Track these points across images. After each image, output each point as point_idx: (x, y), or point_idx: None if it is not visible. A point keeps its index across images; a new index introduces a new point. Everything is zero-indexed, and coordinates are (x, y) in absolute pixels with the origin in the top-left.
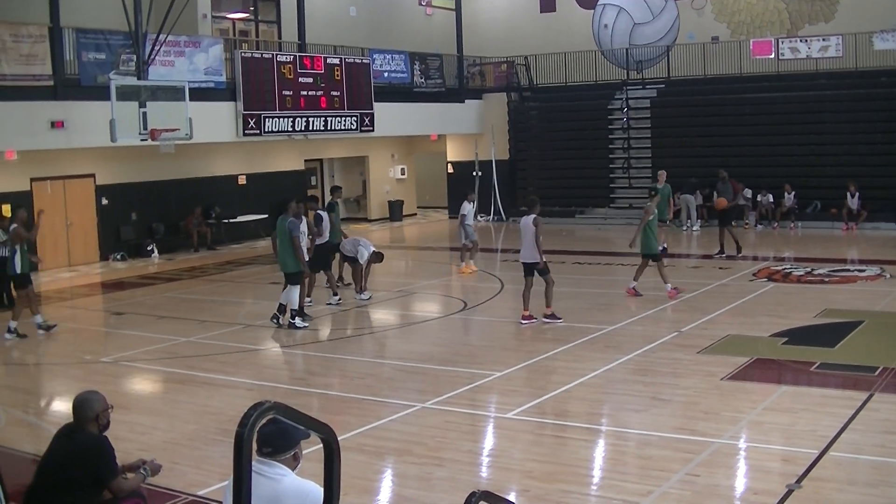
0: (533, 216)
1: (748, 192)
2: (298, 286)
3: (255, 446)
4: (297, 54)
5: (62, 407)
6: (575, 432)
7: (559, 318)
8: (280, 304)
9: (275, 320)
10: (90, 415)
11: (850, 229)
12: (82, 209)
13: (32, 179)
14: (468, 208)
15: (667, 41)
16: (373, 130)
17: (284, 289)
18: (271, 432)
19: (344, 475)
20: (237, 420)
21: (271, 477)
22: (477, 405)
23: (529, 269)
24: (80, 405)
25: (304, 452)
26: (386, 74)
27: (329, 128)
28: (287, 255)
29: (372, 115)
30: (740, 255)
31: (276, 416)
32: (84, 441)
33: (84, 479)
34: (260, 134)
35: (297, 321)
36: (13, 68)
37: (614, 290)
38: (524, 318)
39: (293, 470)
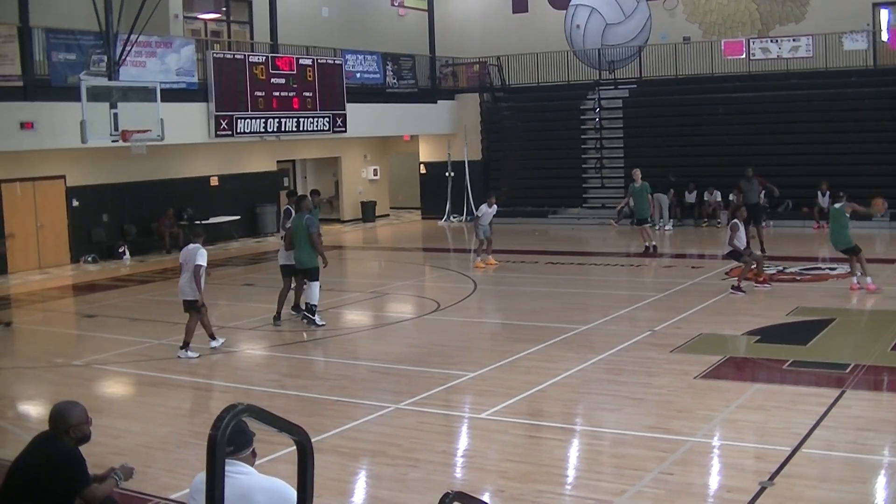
0: None
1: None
2: (318, 281)
3: None
4: (270, 55)
5: (33, 411)
6: (549, 432)
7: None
8: (306, 304)
9: (304, 320)
10: (65, 426)
11: (822, 228)
12: (53, 211)
13: (2, 181)
14: (484, 209)
15: (639, 41)
16: (345, 131)
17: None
18: (231, 431)
19: (318, 477)
20: (210, 423)
21: (236, 476)
22: (451, 406)
23: None
24: (57, 415)
25: (278, 455)
26: (358, 75)
27: (301, 129)
28: (303, 252)
29: (344, 115)
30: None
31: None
32: (56, 451)
33: (54, 488)
34: (232, 135)
35: (317, 318)
36: None
37: (588, 290)
38: None
39: (252, 466)
